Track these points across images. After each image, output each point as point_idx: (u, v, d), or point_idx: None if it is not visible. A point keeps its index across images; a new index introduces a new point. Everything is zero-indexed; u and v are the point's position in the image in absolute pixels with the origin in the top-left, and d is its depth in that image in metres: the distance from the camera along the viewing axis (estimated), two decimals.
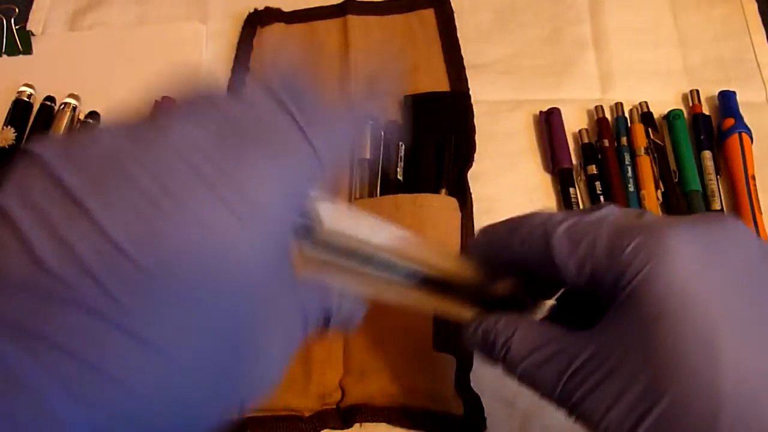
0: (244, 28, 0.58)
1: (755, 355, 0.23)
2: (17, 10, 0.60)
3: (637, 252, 0.24)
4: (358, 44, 0.56)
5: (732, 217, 0.27)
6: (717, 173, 0.49)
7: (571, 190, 0.49)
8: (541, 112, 0.53)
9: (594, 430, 0.25)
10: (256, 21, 0.58)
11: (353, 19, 0.57)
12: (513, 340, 0.28)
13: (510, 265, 0.30)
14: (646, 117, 0.52)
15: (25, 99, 0.55)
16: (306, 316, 0.27)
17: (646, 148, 0.50)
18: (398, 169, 0.50)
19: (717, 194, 0.48)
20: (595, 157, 0.51)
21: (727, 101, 0.52)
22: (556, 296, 0.30)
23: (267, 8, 0.58)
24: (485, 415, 0.42)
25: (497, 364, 0.29)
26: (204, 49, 0.59)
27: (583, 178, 0.50)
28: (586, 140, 0.51)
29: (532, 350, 0.27)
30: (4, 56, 0.59)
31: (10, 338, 0.19)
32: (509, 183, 0.51)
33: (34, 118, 0.55)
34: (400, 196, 0.48)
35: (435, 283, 0.31)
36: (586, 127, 0.52)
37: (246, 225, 0.21)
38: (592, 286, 0.26)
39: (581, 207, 0.50)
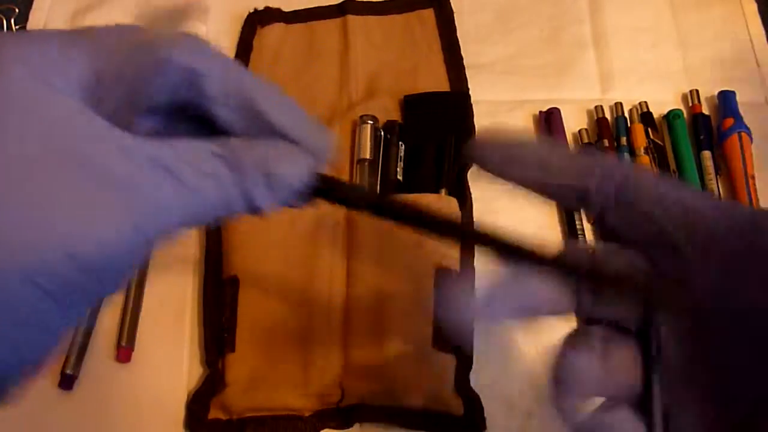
0: (244, 28, 0.58)
1: None
2: (17, 10, 0.60)
3: None
4: (358, 44, 0.56)
5: None
6: (717, 173, 0.49)
7: None
8: (541, 112, 0.53)
9: None
10: (256, 21, 0.58)
11: (353, 19, 0.57)
12: None
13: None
14: (646, 117, 0.52)
15: None
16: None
17: (645, 148, 0.50)
18: (398, 169, 0.50)
19: (717, 194, 0.48)
20: None
21: (726, 101, 0.52)
22: None
23: (267, 8, 0.58)
24: (485, 415, 0.42)
25: None
26: None
27: None
28: (586, 140, 0.51)
29: None
30: None
31: None
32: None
33: None
34: (399, 196, 0.48)
35: None
36: (586, 127, 0.52)
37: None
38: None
39: None
